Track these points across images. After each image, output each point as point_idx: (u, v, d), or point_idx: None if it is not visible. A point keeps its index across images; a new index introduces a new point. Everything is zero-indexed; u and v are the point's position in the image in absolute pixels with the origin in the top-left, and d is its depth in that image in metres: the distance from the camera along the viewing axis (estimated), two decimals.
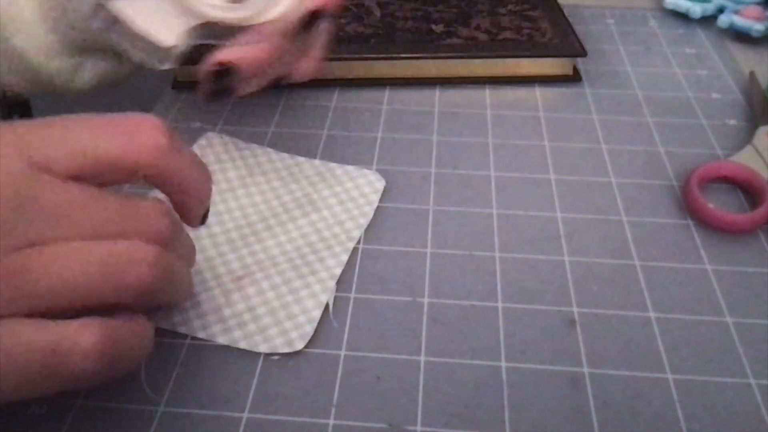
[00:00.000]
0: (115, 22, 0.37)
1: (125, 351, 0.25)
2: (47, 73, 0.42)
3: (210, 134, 0.43)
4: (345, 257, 0.35)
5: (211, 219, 0.37)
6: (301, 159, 0.41)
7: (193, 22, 0.37)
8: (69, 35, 0.40)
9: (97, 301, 0.24)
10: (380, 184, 0.40)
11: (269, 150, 0.42)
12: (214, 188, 0.38)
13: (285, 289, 0.33)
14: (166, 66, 0.38)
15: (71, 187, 0.24)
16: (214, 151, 0.42)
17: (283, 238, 0.36)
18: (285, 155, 0.42)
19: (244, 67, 0.37)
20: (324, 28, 0.41)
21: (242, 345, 0.31)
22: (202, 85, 0.38)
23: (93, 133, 0.25)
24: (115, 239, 0.25)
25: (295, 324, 0.32)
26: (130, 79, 0.46)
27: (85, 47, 0.42)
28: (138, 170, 0.26)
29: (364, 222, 0.37)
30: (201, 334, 0.32)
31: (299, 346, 0.31)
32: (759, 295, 0.34)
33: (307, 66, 0.42)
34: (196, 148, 0.42)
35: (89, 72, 0.44)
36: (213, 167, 0.40)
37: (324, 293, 0.33)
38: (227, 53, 0.37)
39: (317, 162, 0.41)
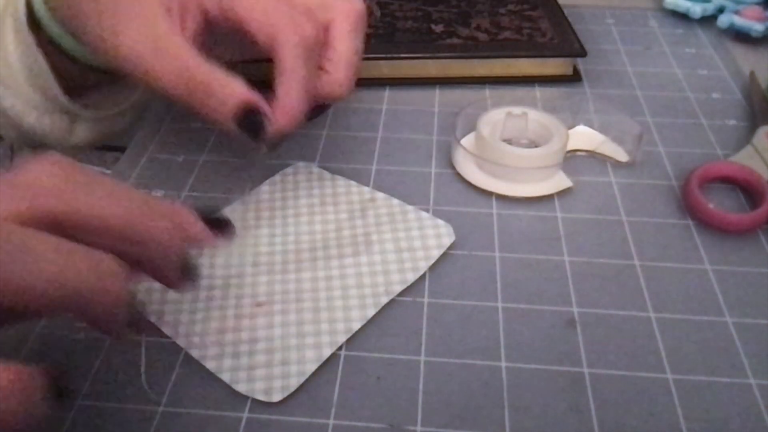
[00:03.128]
0: None
1: None
2: (40, 130, 0.41)
3: (300, 164, 0.42)
4: (371, 312, 0.33)
5: (262, 239, 0.37)
6: (380, 195, 0.39)
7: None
8: (49, 94, 0.40)
9: None
10: (448, 240, 0.36)
11: (352, 183, 0.40)
12: (279, 213, 0.38)
13: (294, 330, 0.32)
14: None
15: None
16: (295, 179, 0.41)
17: (321, 274, 0.35)
18: (366, 189, 0.40)
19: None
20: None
21: (225, 377, 0.30)
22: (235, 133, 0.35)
23: None
24: None
25: (284, 372, 0.30)
26: (129, 131, 0.46)
27: (71, 105, 0.41)
28: (47, 218, 0.24)
29: (412, 278, 0.34)
30: (194, 353, 0.31)
31: (276, 398, 0.29)
32: (759, 295, 0.34)
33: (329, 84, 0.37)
34: (279, 176, 0.41)
35: (83, 131, 0.43)
36: (288, 193, 0.40)
37: (329, 347, 0.31)
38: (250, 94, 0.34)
39: (395, 202, 0.39)
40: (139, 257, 0.27)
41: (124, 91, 0.44)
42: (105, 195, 0.25)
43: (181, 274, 0.28)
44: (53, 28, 0.38)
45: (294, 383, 0.30)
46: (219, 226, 0.30)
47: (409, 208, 0.39)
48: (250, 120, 0.34)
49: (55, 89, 0.39)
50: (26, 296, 0.22)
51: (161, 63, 0.33)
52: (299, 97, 0.34)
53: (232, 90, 0.33)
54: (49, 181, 0.24)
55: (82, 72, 0.40)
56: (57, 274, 0.23)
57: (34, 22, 0.38)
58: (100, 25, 0.34)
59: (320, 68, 0.36)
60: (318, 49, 0.35)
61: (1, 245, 0.22)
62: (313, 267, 0.35)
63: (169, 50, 0.33)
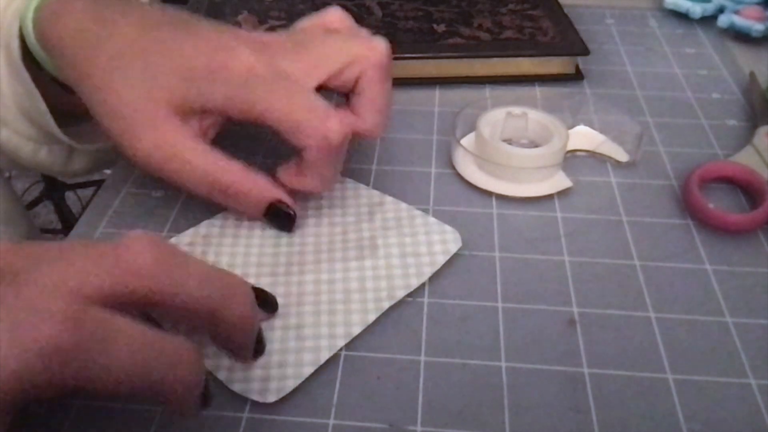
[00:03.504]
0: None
1: None
2: (37, 162, 0.41)
3: None
4: (372, 317, 0.33)
5: (268, 240, 0.37)
6: (388, 199, 0.39)
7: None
8: (45, 128, 0.39)
9: None
10: (454, 246, 0.36)
11: (361, 185, 0.40)
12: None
13: (294, 333, 0.32)
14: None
15: None
16: None
17: (325, 277, 0.35)
18: (375, 192, 0.40)
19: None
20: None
21: (221, 376, 0.30)
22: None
23: (83, 268, 0.23)
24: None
25: (280, 374, 0.30)
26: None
27: (67, 140, 0.40)
28: (134, 296, 0.24)
29: (416, 283, 0.34)
30: None
31: (270, 399, 0.29)
32: (759, 295, 0.34)
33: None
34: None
35: (81, 160, 0.43)
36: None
37: (327, 351, 0.31)
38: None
39: (403, 206, 0.39)
40: (216, 336, 0.27)
41: None
42: (193, 280, 0.25)
43: (253, 351, 0.29)
44: (45, 62, 0.37)
45: (290, 385, 0.30)
46: (266, 303, 0.32)
47: (417, 212, 0.38)
48: (277, 215, 0.36)
49: (52, 126, 0.39)
50: (100, 383, 0.22)
51: (183, 171, 0.34)
52: (326, 182, 0.36)
53: (258, 192, 0.35)
54: (142, 264, 0.24)
55: (78, 100, 0.40)
56: (134, 364, 0.22)
57: (27, 51, 0.37)
58: (117, 131, 0.34)
59: (354, 113, 0.36)
60: (346, 145, 0.35)
61: (82, 330, 0.21)
62: (317, 270, 0.35)
63: (190, 160, 0.34)
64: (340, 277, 0.35)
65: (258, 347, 0.30)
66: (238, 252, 0.36)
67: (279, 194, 0.36)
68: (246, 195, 0.35)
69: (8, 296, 0.21)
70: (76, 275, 0.23)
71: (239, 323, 0.27)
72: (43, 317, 0.21)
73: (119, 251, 0.24)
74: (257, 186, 0.35)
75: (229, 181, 0.34)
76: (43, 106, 0.38)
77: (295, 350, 0.31)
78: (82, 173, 0.45)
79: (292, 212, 0.36)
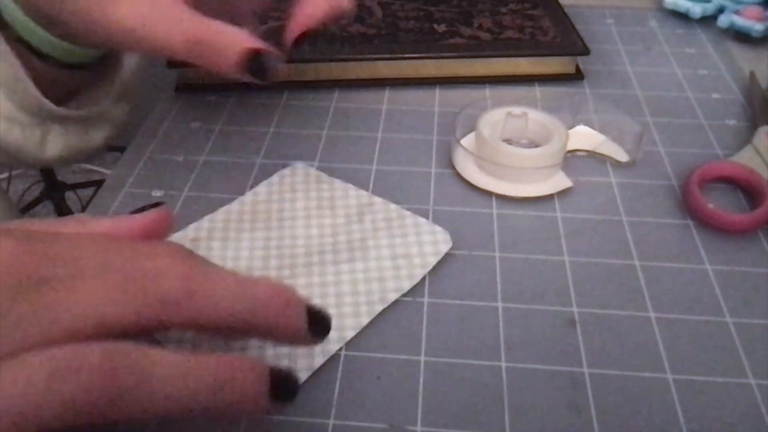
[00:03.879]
0: None
1: None
2: (10, 142, 0.40)
3: (298, 165, 0.42)
4: (365, 321, 0.33)
5: (257, 243, 0.36)
6: (378, 200, 0.39)
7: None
8: (25, 104, 0.39)
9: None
10: (445, 247, 0.36)
11: (350, 186, 0.40)
12: (276, 216, 0.38)
13: None
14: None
15: None
16: (293, 180, 0.40)
17: (317, 280, 0.34)
18: (363, 193, 0.39)
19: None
20: None
21: None
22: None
23: (112, 298, 0.22)
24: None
25: None
26: (102, 152, 0.45)
27: (46, 117, 0.40)
28: (163, 326, 0.23)
29: (408, 285, 0.34)
30: None
31: None
32: (759, 295, 0.34)
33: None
34: (277, 177, 0.41)
35: (55, 143, 0.42)
36: (285, 195, 0.39)
37: (321, 356, 0.31)
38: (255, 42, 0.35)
39: (392, 207, 0.38)
40: (260, 337, 0.26)
41: (98, 92, 0.44)
42: (225, 301, 0.24)
43: (306, 335, 0.26)
44: (20, 23, 0.37)
45: None
46: None
47: (407, 213, 0.38)
48: (256, 64, 0.34)
49: (33, 90, 0.38)
50: (145, 415, 0.21)
51: (160, 29, 0.33)
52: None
53: (234, 42, 0.34)
54: (172, 289, 0.23)
55: (51, 72, 0.39)
56: (179, 391, 0.22)
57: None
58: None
59: None
60: None
61: (120, 375, 0.21)
62: (308, 272, 0.35)
63: (167, 15, 0.33)
64: (332, 279, 0.34)
65: (319, 328, 0.27)
66: (227, 255, 0.36)
67: (254, 43, 0.34)
68: (221, 49, 0.34)
69: (38, 318, 0.21)
70: (107, 308, 0.22)
71: (278, 326, 0.25)
72: (79, 366, 0.20)
73: (147, 274, 0.23)
74: (232, 38, 0.34)
75: (206, 35, 0.34)
76: (23, 72, 0.37)
77: (289, 355, 0.31)
78: (55, 162, 0.44)
79: (269, 59, 0.34)
